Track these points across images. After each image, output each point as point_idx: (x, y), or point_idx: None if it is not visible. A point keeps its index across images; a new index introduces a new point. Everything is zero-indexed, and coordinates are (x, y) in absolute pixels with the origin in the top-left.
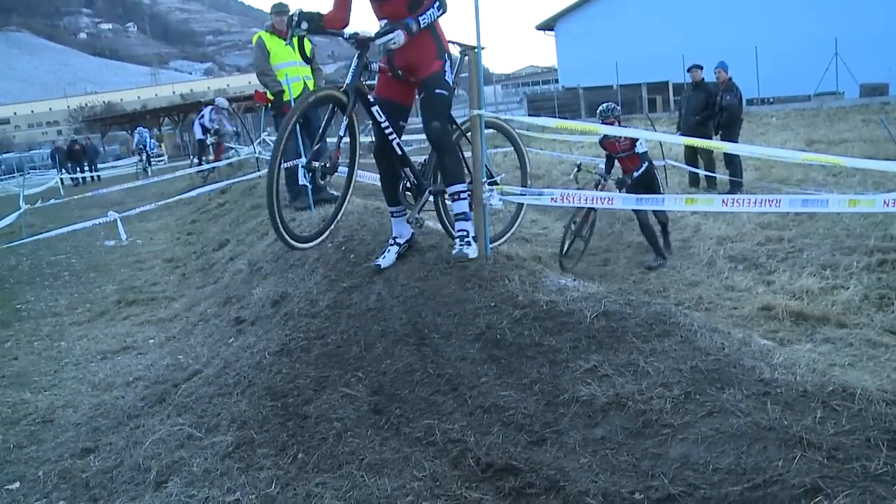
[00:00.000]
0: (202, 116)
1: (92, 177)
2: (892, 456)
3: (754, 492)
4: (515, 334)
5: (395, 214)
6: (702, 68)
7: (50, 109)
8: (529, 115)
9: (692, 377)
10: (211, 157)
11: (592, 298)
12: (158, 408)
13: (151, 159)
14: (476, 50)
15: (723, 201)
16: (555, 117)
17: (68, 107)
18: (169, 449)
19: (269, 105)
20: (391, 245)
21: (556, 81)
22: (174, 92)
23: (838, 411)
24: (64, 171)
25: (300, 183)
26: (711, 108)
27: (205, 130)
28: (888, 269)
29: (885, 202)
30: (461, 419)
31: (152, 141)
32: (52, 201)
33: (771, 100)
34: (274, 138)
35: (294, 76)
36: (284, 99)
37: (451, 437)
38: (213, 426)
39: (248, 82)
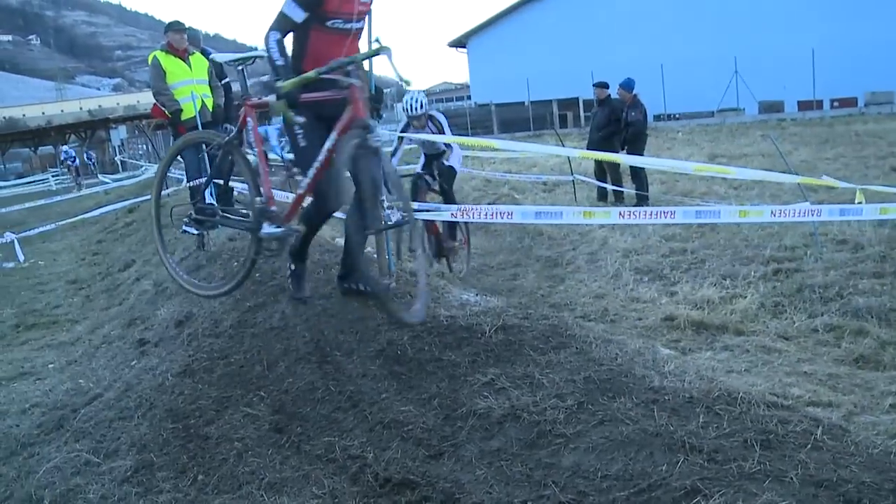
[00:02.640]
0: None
1: None
2: (765, 455)
3: (640, 496)
4: (416, 350)
5: None
6: (606, 86)
7: None
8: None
9: (585, 387)
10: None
11: (492, 313)
12: (55, 434)
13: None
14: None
15: (620, 214)
16: (467, 133)
17: None
18: (64, 477)
19: (168, 122)
20: None
21: (469, 98)
22: (81, 107)
23: (721, 415)
24: None
25: (206, 201)
26: (616, 123)
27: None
28: (783, 278)
29: (772, 213)
30: (361, 435)
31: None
32: None
33: (677, 115)
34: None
35: (193, 94)
36: (183, 118)
37: (351, 453)
38: (113, 451)
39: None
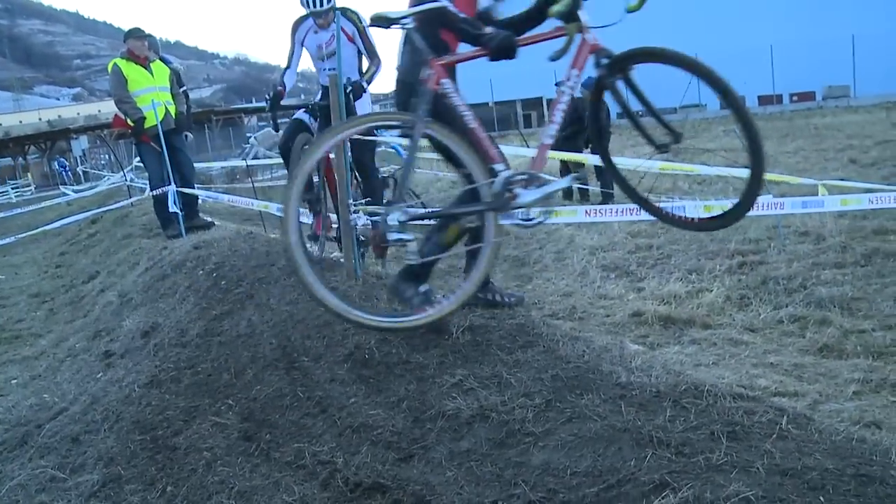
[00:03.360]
0: None
1: None
2: (731, 447)
3: (609, 492)
4: (383, 353)
5: None
6: None
7: None
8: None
9: (553, 385)
10: None
11: (459, 313)
12: (19, 451)
13: None
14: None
15: (586, 212)
16: None
17: None
18: (28, 494)
19: (130, 131)
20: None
21: None
22: (41, 118)
23: (688, 409)
24: None
25: (170, 210)
26: (579, 122)
27: None
28: (747, 271)
29: None
30: (331, 440)
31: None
32: None
33: (640, 113)
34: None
35: (155, 102)
36: (146, 126)
37: (321, 458)
38: (79, 465)
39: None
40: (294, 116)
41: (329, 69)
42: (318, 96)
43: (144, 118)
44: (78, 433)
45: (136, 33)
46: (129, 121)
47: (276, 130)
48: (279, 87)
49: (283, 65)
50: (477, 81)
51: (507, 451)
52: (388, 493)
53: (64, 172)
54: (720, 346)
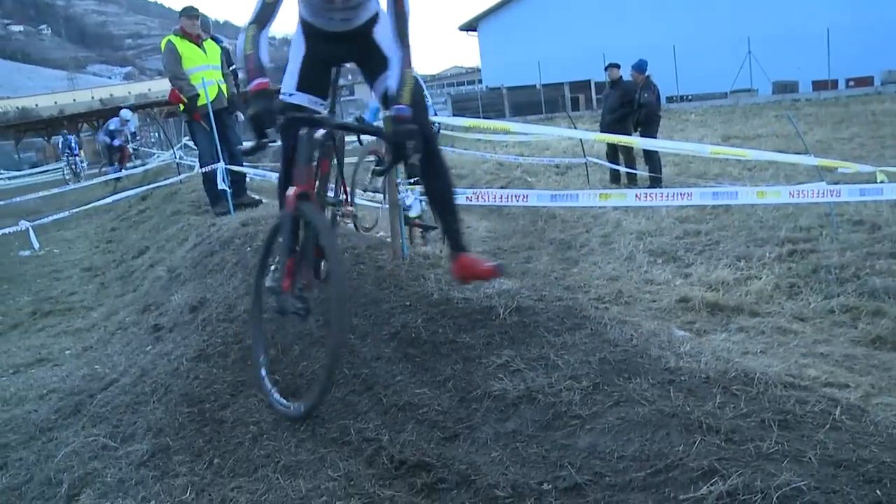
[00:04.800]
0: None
1: None
2: (782, 435)
3: (656, 476)
4: (430, 332)
5: None
6: (619, 67)
7: None
8: (454, 116)
9: (601, 368)
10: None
11: (506, 295)
12: (73, 419)
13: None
14: None
15: (636, 196)
16: (479, 117)
17: None
18: (82, 461)
19: (183, 108)
20: None
21: (481, 82)
22: (93, 97)
23: (737, 395)
24: None
25: (219, 188)
26: (629, 105)
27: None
28: (797, 259)
29: (790, 193)
30: (376, 418)
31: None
32: None
33: (689, 97)
34: (192, 143)
35: (208, 80)
36: (200, 103)
37: (366, 436)
38: (129, 435)
39: (169, 86)
40: None
41: None
42: None
43: (199, 95)
44: (128, 404)
45: (189, 11)
46: (184, 97)
47: None
48: None
49: None
50: (525, 64)
51: (553, 434)
52: (433, 471)
53: (70, 154)
54: (768, 335)
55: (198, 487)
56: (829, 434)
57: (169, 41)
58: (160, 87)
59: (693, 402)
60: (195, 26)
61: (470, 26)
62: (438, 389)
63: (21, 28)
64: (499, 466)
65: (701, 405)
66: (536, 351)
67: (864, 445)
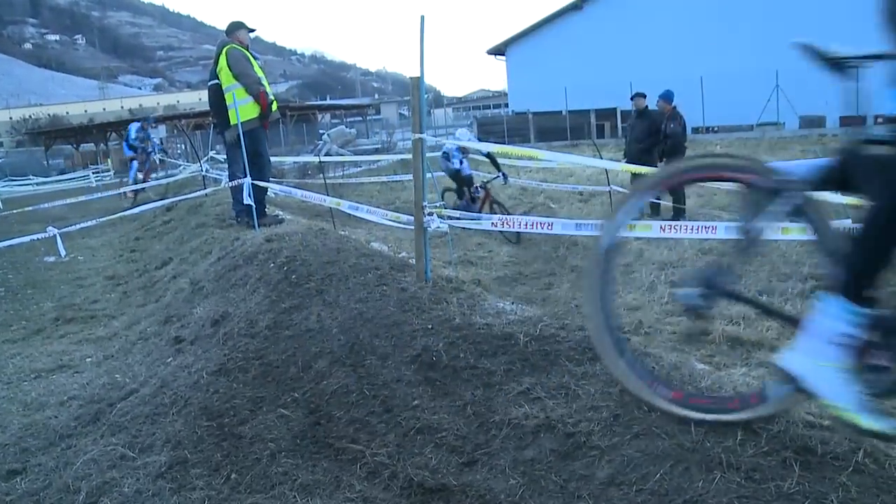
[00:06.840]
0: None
1: None
2: (804, 476)
3: None
4: (451, 357)
5: None
6: (645, 96)
7: None
8: (479, 139)
9: (621, 400)
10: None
11: (528, 322)
12: (92, 427)
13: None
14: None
15: (661, 227)
16: (504, 141)
17: (10, 118)
18: (100, 469)
19: (261, 115)
20: None
21: (507, 105)
22: (122, 107)
23: (758, 433)
24: None
25: (245, 203)
26: (655, 135)
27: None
28: None
29: None
30: (394, 440)
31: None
32: None
33: (716, 128)
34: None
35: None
36: (273, 110)
37: (383, 458)
38: (147, 446)
39: (198, 99)
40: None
41: None
42: None
43: (273, 101)
44: (147, 414)
45: (244, 26)
46: (271, 98)
47: None
48: None
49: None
50: (551, 90)
51: (571, 463)
52: (451, 496)
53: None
54: None
55: (214, 502)
56: (852, 477)
57: (233, 48)
58: (189, 99)
59: (713, 438)
60: (248, 40)
61: (498, 50)
62: (458, 414)
63: (57, 37)
64: (516, 494)
65: (721, 441)
66: (557, 380)
67: (888, 491)
